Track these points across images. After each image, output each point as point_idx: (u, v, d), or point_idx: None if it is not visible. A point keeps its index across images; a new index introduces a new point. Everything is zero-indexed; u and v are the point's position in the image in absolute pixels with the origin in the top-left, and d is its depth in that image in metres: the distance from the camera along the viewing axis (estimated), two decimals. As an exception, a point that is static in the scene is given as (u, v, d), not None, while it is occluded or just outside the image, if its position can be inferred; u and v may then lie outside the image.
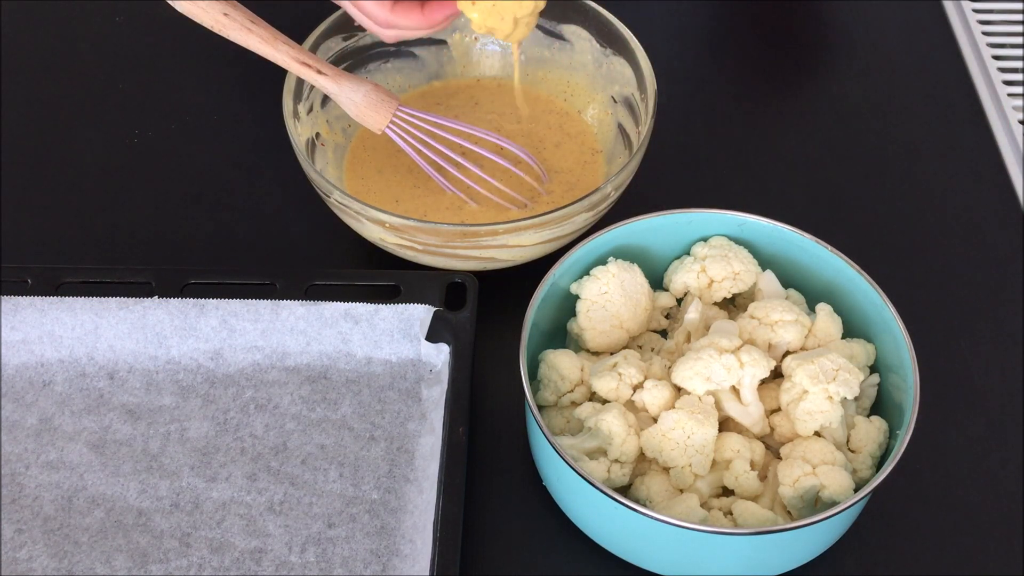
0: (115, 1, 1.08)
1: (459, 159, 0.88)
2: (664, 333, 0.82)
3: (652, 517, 0.67)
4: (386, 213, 0.79)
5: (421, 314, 0.80)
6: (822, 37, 1.10)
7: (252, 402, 0.79)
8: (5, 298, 0.79)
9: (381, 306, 0.80)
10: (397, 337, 0.80)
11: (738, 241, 0.81)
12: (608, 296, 0.78)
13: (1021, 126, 1.00)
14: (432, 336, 0.80)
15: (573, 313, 0.79)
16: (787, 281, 0.81)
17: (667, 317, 0.83)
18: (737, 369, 0.72)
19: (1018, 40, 1.08)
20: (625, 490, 0.73)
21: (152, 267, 0.82)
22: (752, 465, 0.73)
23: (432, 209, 0.89)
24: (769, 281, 0.80)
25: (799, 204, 0.94)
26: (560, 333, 0.82)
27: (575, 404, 0.76)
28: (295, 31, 0.85)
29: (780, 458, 0.73)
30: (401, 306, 0.80)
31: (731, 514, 0.71)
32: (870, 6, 1.11)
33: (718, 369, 0.72)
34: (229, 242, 0.90)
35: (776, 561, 0.72)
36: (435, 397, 0.78)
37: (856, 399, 0.76)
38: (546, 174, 0.90)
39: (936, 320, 0.86)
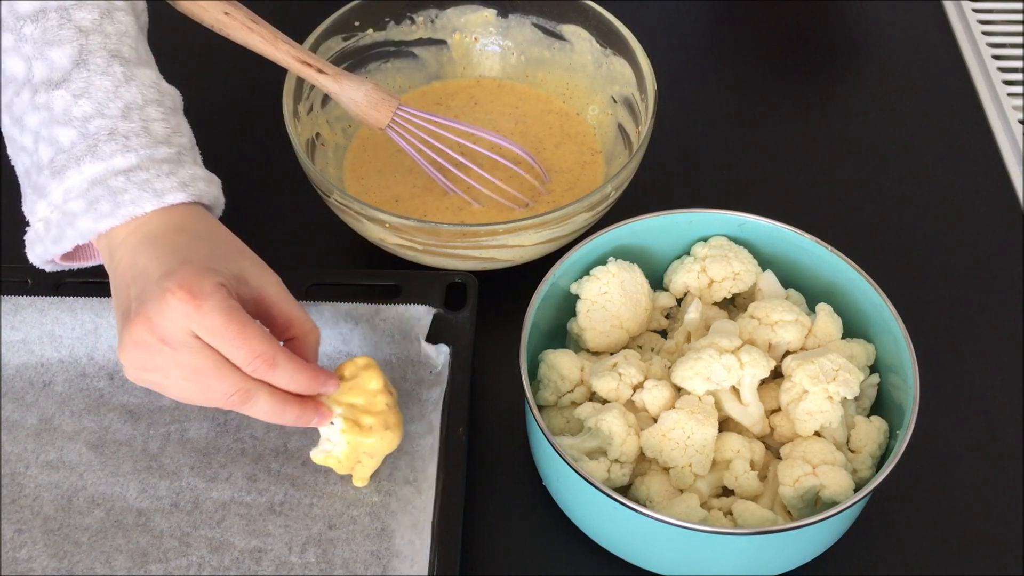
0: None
1: (460, 158, 0.88)
2: (664, 333, 0.82)
3: (652, 517, 0.67)
4: (386, 213, 0.79)
5: (421, 315, 0.80)
6: (822, 37, 1.10)
7: (253, 403, 0.79)
8: (5, 298, 0.79)
9: (381, 307, 0.80)
10: (397, 338, 0.80)
11: (738, 241, 0.81)
12: (608, 296, 0.78)
13: (1021, 126, 1.00)
14: (432, 337, 0.79)
15: (573, 313, 0.79)
16: (787, 281, 0.81)
17: (667, 317, 0.83)
18: (737, 369, 0.72)
19: (1018, 40, 1.08)
20: (625, 490, 0.73)
21: (152, 267, 0.82)
22: (752, 465, 0.73)
23: (432, 209, 0.89)
24: (769, 281, 0.80)
25: (799, 204, 0.94)
26: (560, 333, 0.82)
27: (575, 404, 0.76)
28: (295, 31, 0.85)
29: (780, 458, 0.73)
30: (402, 307, 0.80)
31: (731, 514, 0.71)
32: (870, 6, 1.11)
33: (718, 369, 0.72)
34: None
35: (776, 561, 0.72)
36: (435, 398, 0.78)
37: (856, 399, 0.76)
38: (546, 173, 0.91)
39: (936, 320, 0.86)
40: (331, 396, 0.72)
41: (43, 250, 0.73)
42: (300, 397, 0.70)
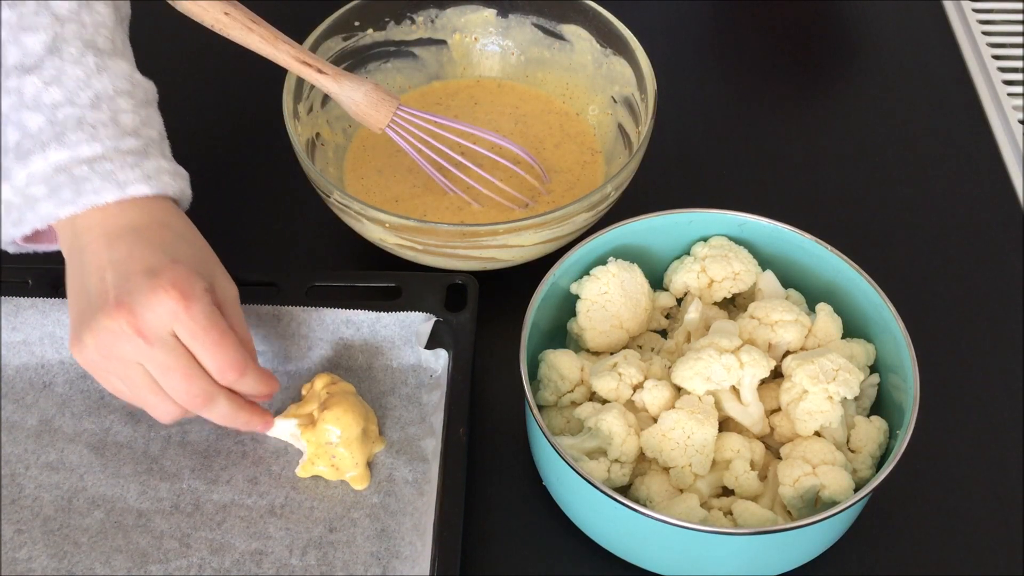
0: (115, 1, 1.08)
1: (459, 158, 0.88)
2: (664, 333, 0.82)
3: (652, 517, 0.67)
4: (386, 213, 0.79)
5: (422, 322, 0.79)
6: (822, 37, 1.10)
7: (254, 406, 0.79)
8: (6, 299, 0.79)
9: (382, 314, 0.80)
10: (398, 344, 0.80)
11: (738, 241, 0.81)
12: (608, 296, 0.78)
13: (1021, 126, 1.00)
14: (433, 338, 0.79)
15: (573, 313, 0.79)
16: (787, 281, 0.81)
17: (667, 317, 0.83)
18: (737, 369, 0.72)
19: (1018, 40, 1.08)
20: (625, 490, 0.73)
21: (153, 267, 0.82)
22: (752, 465, 0.73)
23: (432, 209, 0.89)
24: (769, 281, 0.80)
25: (799, 204, 0.94)
26: (560, 333, 0.82)
27: (575, 404, 0.76)
28: (295, 31, 0.85)
29: (780, 458, 0.73)
30: (402, 314, 0.80)
31: (731, 514, 0.71)
32: (870, 6, 1.11)
33: (718, 369, 0.72)
34: (229, 242, 0.90)
35: (776, 561, 0.72)
36: (435, 401, 0.78)
37: (856, 399, 0.76)
38: (546, 173, 0.91)
39: (936, 320, 0.86)
40: (289, 412, 0.76)
41: (3, 232, 0.73)
42: (250, 403, 0.73)
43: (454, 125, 0.87)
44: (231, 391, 0.71)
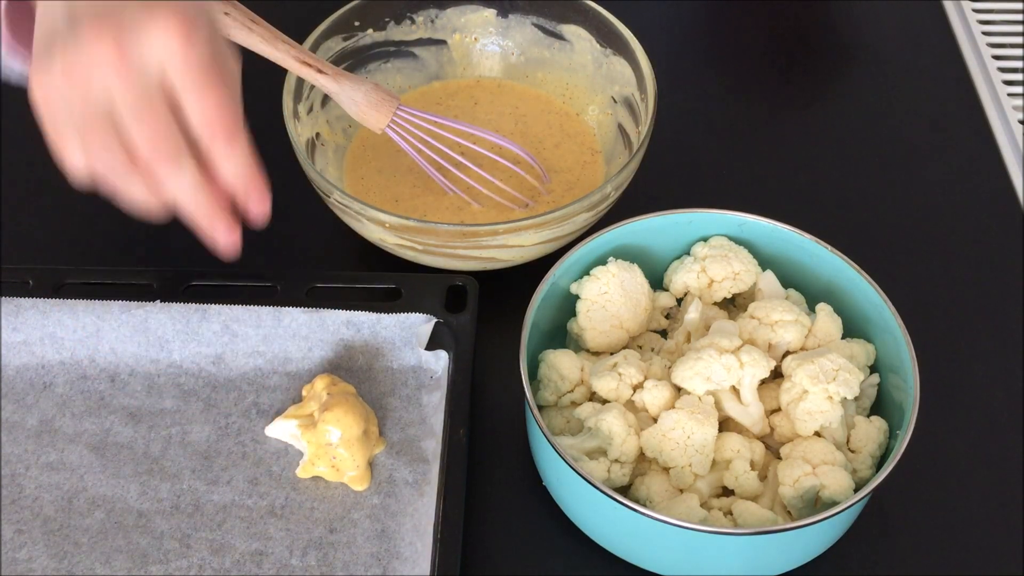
0: (115, 1, 1.08)
1: (459, 158, 0.88)
2: (664, 333, 0.83)
3: (652, 517, 0.67)
4: (386, 213, 0.79)
5: (422, 323, 0.80)
6: (822, 37, 1.10)
7: (254, 407, 0.79)
8: (6, 299, 0.79)
9: (383, 315, 0.80)
10: (399, 345, 0.80)
11: (738, 241, 0.81)
12: (608, 296, 0.78)
13: (1021, 126, 1.00)
14: (433, 339, 0.80)
15: (573, 313, 0.79)
16: (787, 281, 0.81)
17: (667, 317, 0.83)
18: (737, 369, 0.72)
19: (1018, 40, 1.08)
20: (625, 490, 0.73)
21: (153, 268, 0.82)
22: (752, 465, 0.73)
23: (432, 209, 0.89)
24: (769, 281, 0.80)
25: (799, 204, 0.94)
26: (560, 333, 0.82)
27: (575, 404, 0.76)
28: (295, 31, 0.85)
29: (780, 458, 0.73)
30: (403, 315, 0.80)
31: (731, 514, 0.71)
32: (870, 6, 1.11)
33: (718, 369, 0.72)
34: (229, 242, 0.90)
35: (776, 561, 0.72)
36: (435, 402, 0.78)
37: (856, 399, 0.76)
38: (546, 173, 0.91)
39: (936, 320, 0.86)
40: (289, 413, 0.76)
41: None
42: (222, 198, 0.62)
43: (454, 125, 0.87)
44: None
